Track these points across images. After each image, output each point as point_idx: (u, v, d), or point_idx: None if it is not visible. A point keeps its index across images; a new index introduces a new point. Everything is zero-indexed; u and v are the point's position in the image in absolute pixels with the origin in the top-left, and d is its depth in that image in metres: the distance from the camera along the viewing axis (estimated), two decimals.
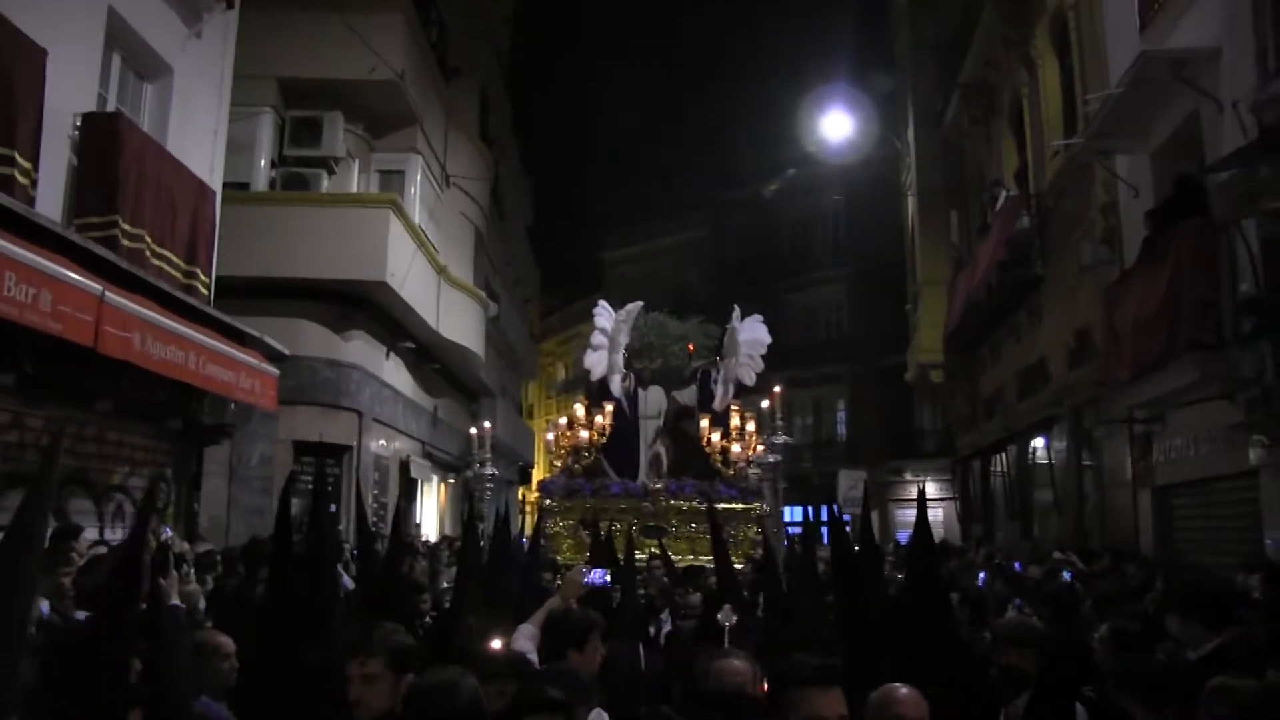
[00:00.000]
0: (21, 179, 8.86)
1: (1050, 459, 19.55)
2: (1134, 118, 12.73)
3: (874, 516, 36.16)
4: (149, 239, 11.20)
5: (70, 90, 10.28)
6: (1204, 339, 9.94)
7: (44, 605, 5.80)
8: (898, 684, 3.85)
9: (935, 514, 35.24)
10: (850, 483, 26.27)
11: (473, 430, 15.68)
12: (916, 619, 4.85)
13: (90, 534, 10.20)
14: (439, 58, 21.64)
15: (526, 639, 5.80)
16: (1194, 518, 12.88)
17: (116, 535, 11.19)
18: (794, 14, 69.39)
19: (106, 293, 8.81)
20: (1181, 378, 10.51)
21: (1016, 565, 12.90)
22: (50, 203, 9.85)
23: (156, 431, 12.54)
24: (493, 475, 14.10)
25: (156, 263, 11.40)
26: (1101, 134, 13.43)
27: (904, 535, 28.14)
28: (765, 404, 13.55)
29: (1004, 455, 23.62)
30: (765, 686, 4.89)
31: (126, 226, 10.65)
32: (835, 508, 6.77)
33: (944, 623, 4.84)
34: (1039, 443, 20.40)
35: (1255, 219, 9.68)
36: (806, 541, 7.69)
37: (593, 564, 8.83)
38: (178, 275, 11.99)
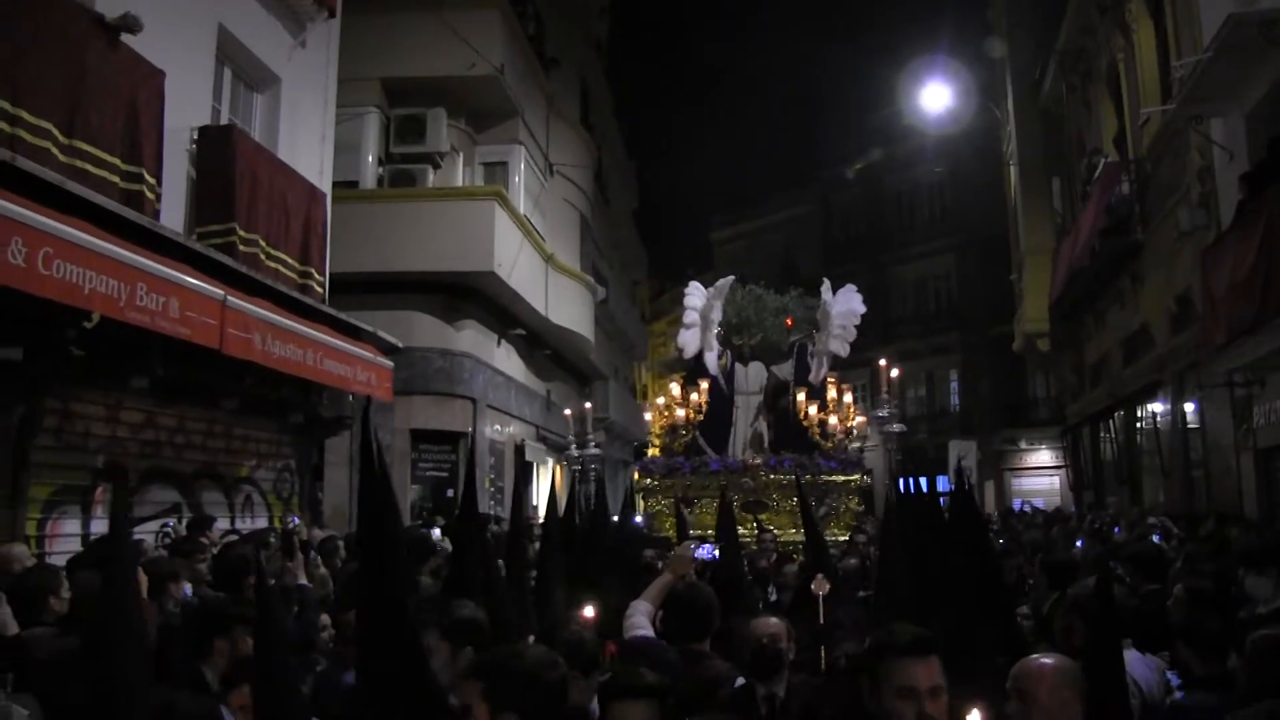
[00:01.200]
0: (149, 194, 9.46)
1: (1156, 424, 19.43)
2: (1225, 81, 12.59)
3: (989, 486, 35.98)
4: (264, 243, 11.78)
5: (186, 106, 10.86)
6: None
7: (187, 588, 6.31)
8: (1037, 655, 3.81)
9: (1050, 481, 34.99)
10: (961, 453, 26.18)
11: (566, 411, 15.86)
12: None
13: (222, 524, 10.86)
14: (537, 50, 22.04)
15: (642, 615, 5.82)
16: None
17: (246, 524, 11.85)
18: None
19: (229, 297, 9.36)
20: (1274, 341, 10.47)
21: (1116, 530, 12.93)
22: (173, 214, 10.45)
23: (279, 426, 13.17)
24: (597, 455, 14.24)
25: (272, 265, 11.98)
26: (1193, 99, 13.29)
27: (1018, 504, 28.04)
28: (896, 373, 13.51)
29: (1112, 421, 23.47)
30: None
31: (243, 233, 11.25)
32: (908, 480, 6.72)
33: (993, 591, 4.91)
34: (1145, 409, 20.26)
35: None
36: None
37: (700, 539, 9.01)
38: (293, 276, 12.58)
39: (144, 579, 5.81)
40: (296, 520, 11.18)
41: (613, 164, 33.33)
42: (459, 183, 19.57)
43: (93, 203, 8.15)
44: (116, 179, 9.14)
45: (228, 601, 5.58)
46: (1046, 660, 3.70)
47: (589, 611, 5.51)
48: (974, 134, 34.53)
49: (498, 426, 20.34)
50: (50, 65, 8.25)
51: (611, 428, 30.60)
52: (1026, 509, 24.36)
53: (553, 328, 22.07)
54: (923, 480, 7.47)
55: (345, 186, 16.49)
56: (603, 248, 30.51)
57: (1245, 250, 11.06)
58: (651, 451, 14.09)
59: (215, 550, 7.35)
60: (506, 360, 20.96)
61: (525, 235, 19.28)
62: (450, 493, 18.07)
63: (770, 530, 11.96)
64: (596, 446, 14.44)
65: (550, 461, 25.06)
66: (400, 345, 15.23)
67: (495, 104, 19.76)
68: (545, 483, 24.72)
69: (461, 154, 19.91)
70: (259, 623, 4.19)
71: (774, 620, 5.34)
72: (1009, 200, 31.83)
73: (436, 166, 18.74)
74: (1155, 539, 10.43)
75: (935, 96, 28.07)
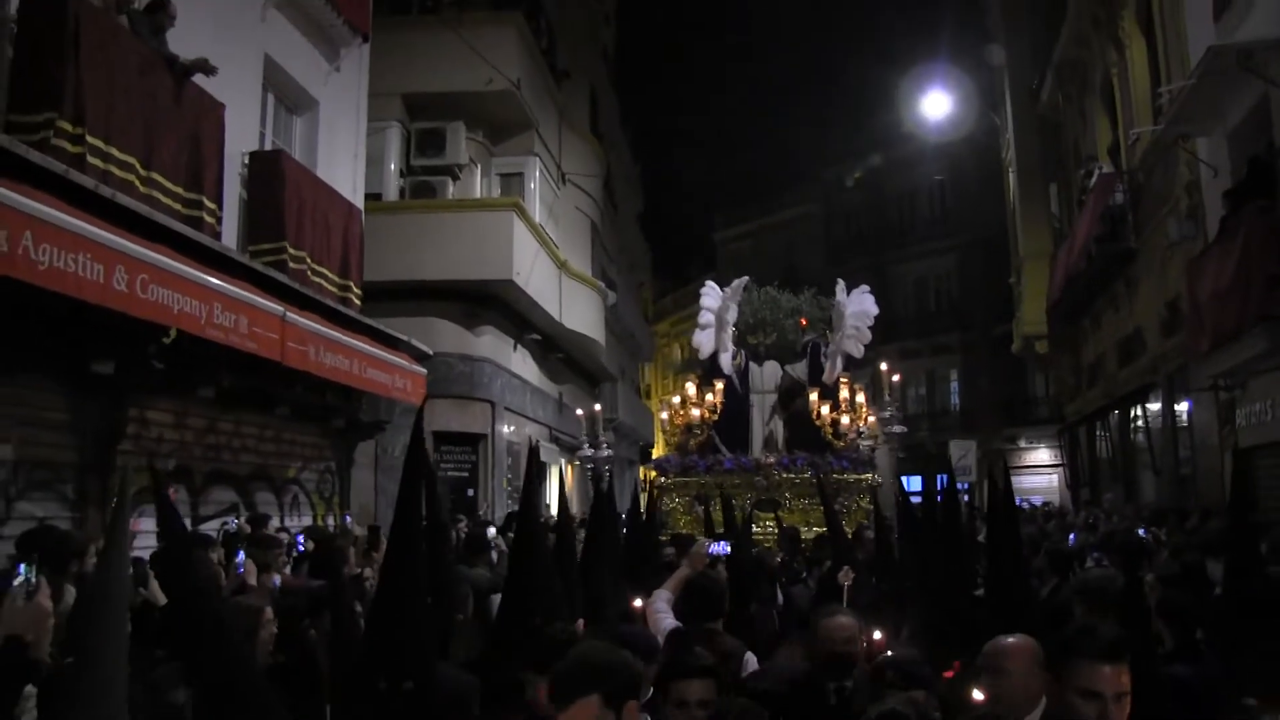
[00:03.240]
0: (209, 219, 10.22)
1: (1148, 424, 20.21)
2: (1208, 104, 13.41)
3: (987, 484, 36.53)
4: (309, 259, 12.56)
5: (238, 132, 11.66)
6: (1272, 311, 10.73)
7: (275, 579, 7.10)
8: (1007, 635, 4.09)
9: (1049, 480, 35.57)
10: (960, 452, 26.78)
11: (579, 411, 16.20)
12: (993, 575, 5.43)
13: (273, 522, 11.63)
14: (550, 63, 22.73)
15: (664, 603, 6.41)
16: (1277, 479, 13.47)
17: (293, 522, 12.63)
18: None
19: (287, 313, 10.16)
20: (1253, 348, 11.32)
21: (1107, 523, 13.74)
22: (229, 234, 11.25)
23: (323, 430, 13.98)
24: (608, 456, 14.44)
25: (316, 279, 12.75)
26: (1179, 119, 14.13)
27: (1019, 501, 28.56)
28: (896, 379, 13.86)
29: (1108, 421, 24.22)
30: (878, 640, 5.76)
31: (293, 250, 12.04)
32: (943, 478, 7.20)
33: (1019, 579, 5.35)
34: (1139, 409, 21.04)
35: None
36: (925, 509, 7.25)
37: (715, 536, 9.67)
38: (334, 289, 13.33)
39: (253, 566, 6.62)
40: (349, 518, 11.95)
41: (619, 169, 33.92)
42: (477, 194, 20.25)
43: (170, 228, 8.94)
44: (179, 206, 9.90)
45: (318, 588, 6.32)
46: (1015, 640, 4.08)
47: (638, 602, 6.19)
48: (975, 136, 35.12)
49: (514, 428, 21.00)
50: (133, 105, 9.03)
51: (620, 428, 31.28)
52: (1025, 506, 24.90)
53: (566, 332, 22.74)
54: (919, 479, 7.96)
55: (370, 198, 17.09)
56: (611, 252, 31.14)
57: (1226, 262, 11.86)
58: (656, 451, 14.39)
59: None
60: (522, 364, 21.62)
61: (541, 243, 19.94)
62: (470, 492, 18.76)
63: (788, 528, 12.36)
64: (609, 448, 14.54)
65: (562, 461, 25.73)
66: (430, 353, 15.93)
67: (511, 117, 20.44)
68: (556, 482, 25.44)
69: (479, 165, 20.59)
70: (342, 607, 4.74)
71: (846, 620, 5.32)
72: (1008, 204, 32.51)
73: (455, 178, 19.43)
74: (1141, 532, 11.23)
75: (936, 103, 28.83)
